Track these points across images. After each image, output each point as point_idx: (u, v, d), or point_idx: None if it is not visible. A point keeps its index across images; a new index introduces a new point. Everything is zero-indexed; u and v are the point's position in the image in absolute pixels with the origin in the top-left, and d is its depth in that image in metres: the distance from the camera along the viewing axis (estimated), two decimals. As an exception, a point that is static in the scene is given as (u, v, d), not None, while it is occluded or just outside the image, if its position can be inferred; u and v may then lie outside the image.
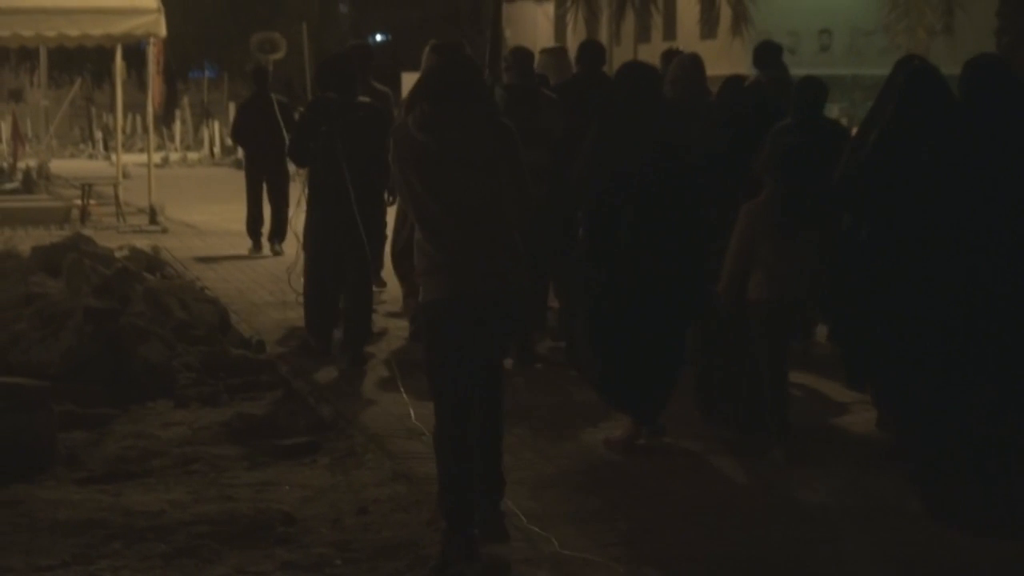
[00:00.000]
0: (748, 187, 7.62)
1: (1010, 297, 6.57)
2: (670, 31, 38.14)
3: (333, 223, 9.72)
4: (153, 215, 18.86)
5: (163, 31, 18.41)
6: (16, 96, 44.53)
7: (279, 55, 20.13)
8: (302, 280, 10.42)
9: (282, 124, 14.69)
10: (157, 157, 26.63)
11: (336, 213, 9.65)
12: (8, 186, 22.92)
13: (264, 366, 9.83)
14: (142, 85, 24.18)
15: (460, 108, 6.01)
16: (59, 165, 27.63)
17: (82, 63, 40.01)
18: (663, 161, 7.62)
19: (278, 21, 34.93)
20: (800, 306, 7.79)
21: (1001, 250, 6.59)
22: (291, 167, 15.35)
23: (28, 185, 22.79)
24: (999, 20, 19.95)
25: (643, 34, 37.79)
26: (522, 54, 10.40)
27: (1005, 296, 6.58)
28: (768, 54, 11.45)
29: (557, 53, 11.88)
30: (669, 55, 11.69)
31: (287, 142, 11.29)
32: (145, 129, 24.28)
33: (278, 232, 15.69)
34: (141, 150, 28.81)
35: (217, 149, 34.77)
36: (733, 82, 8.52)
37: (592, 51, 10.78)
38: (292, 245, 12.59)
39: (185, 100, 40.46)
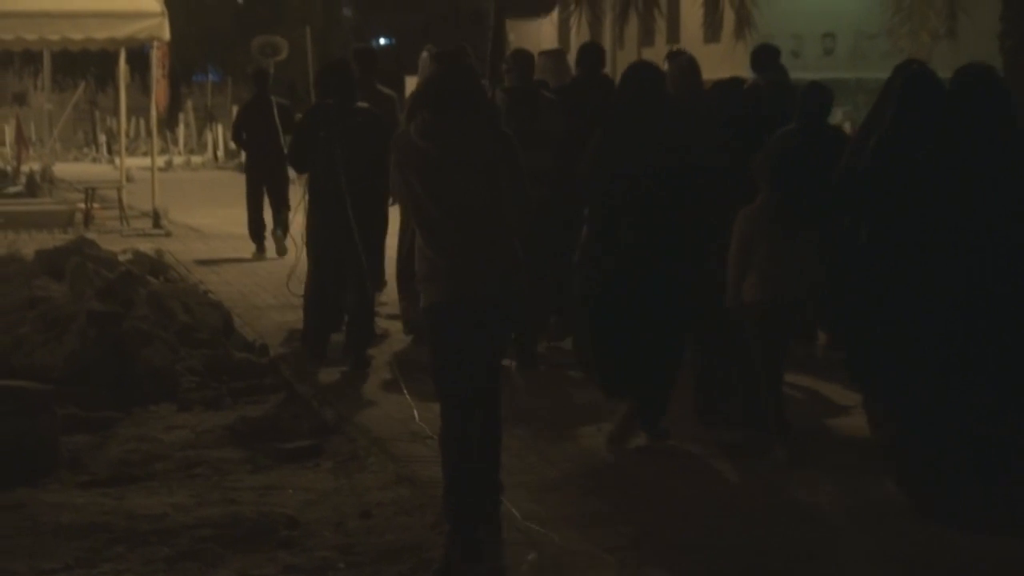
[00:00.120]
0: (745, 190, 7.63)
1: (1009, 298, 6.60)
2: (674, 35, 38.04)
3: (332, 228, 9.75)
4: (157, 219, 18.86)
5: (167, 35, 18.39)
6: (20, 100, 44.57)
7: (280, 58, 20.16)
8: (302, 283, 10.43)
9: (279, 127, 14.69)
10: (161, 161, 26.67)
11: (335, 218, 9.68)
12: (12, 190, 22.92)
13: (267, 369, 9.83)
14: (146, 89, 24.13)
15: (460, 116, 6.06)
16: (63, 169, 27.66)
17: (86, 67, 39.94)
18: (666, 161, 7.64)
19: (282, 25, 34.83)
20: (800, 307, 7.80)
21: (999, 251, 6.62)
22: (290, 171, 15.34)
23: (32, 189, 22.78)
24: (1002, 24, 19.88)
25: (647, 38, 37.70)
26: (522, 56, 10.39)
27: (1004, 297, 6.61)
28: (766, 57, 11.38)
29: (555, 55, 11.78)
30: (673, 56, 11.66)
31: (285, 145, 11.30)
32: (149, 133, 24.24)
33: (280, 224, 15.60)
34: (145, 154, 28.78)
35: (221, 153, 34.75)
36: (723, 86, 8.51)
37: (592, 53, 10.77)
38: (292, 246, 12.58)
39: (189, 104, 40.47)
